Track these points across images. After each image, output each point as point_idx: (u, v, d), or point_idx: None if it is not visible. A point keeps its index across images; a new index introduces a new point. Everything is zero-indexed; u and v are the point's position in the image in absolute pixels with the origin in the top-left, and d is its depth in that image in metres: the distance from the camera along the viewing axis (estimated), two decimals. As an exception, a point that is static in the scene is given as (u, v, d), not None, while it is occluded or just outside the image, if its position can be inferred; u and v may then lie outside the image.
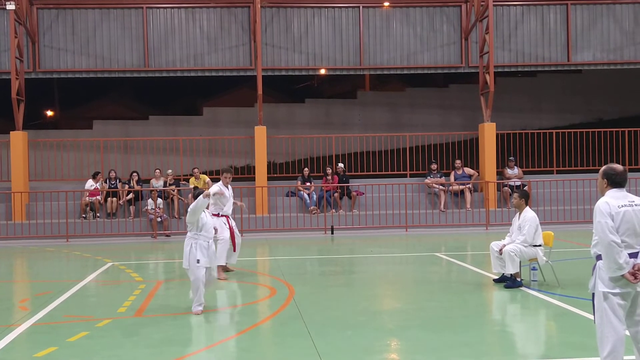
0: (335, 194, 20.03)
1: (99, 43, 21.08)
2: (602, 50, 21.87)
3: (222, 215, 11.64)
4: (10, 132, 19.98)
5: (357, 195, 20.18)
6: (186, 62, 21.27)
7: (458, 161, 20.73)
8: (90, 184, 19.73)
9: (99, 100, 34.48)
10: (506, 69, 22.38)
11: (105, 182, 19.95)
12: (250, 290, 10.85)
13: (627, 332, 5.57)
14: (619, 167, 5.61)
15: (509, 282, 10.09)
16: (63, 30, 21.01)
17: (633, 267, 5.39)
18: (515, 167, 20.75)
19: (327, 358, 6.58)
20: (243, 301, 9.78)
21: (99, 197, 19.58)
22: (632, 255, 5.43)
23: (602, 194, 5.60)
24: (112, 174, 19.94)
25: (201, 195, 8.77)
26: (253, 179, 20.54)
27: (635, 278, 5.37)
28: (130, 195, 19.56)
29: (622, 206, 5.44)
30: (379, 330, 7.72)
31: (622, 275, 5.37)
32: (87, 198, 19.45)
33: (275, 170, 22.08)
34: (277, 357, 6.92)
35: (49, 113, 35.76)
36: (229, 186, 11.86)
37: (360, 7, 21.48)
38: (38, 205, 19.55)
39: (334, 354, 6.80)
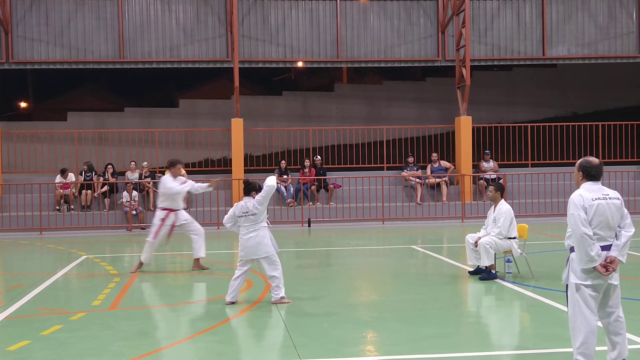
0: (313, 187, 20.03)
1: (74, 34, 20.83)
2: (577, 45, 22.04)
3: (164, 209, 11.43)
4: (-17, 123, 19.72)
5: (334, 188, 20.19)
6: (162, 53, 21.09)
7: (434, 154, 20.83)
8: (58, 179, 19.49)
9: (73, 92, 34.03)
10: (482, 63, 22.47)
11: (81, 174, 19.75)
12: (226, 282, 10.80)
13: (600, 324, 5.64)
14: (594, 160, 5.65)
15: (484, 274, 10.16)
16: (37, 20, 20.72)
17: (605, 260, 5.44)
18: (491, 160, 20.89)
19: (303, 350, 6.58)
20: (219, 294, 9.74)
21: (73, 190, 19.39)
22: (605, 248, 5.48)
23: (578, 187, 5.65)
24: (85, 167, 19.69)
25: (272, 184, 8.60)
26: (230, 172, 20.46)
27: (607, 270, 5.42)
28: (105, 188, 19.40)
29: (596, 199, 5.48)
30: (355, 322, 7.75)
31: (594, 268, 5.42)
32: (60, 190, 19.25)
33: (252, 163, 22.01)
34: (253, 349, 6.91)
35: (23, 104, 35.28)
36: (181, 177, 11.68)
37: (338, 0, 21.44)
38: (11, 198, 19.31)
39: (310, 346, 6.81)
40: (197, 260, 11.64)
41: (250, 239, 8.62)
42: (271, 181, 8.63)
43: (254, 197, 8.68)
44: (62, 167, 19.82)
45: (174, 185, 11.44)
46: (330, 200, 20.00)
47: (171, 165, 11.59)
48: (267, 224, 8.76)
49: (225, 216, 8.89)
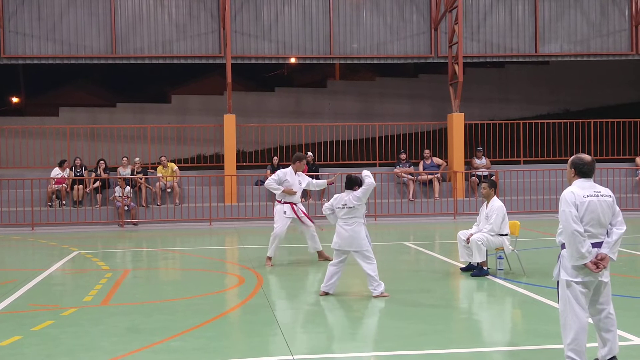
0: (305, 183, 19.99)
1: (66, 29, 20.75)
2: (569, 42, 22.10)
3: (285, 202, 11.61)
4: (-26, 118, 19.62)
5: (328, 184, 20.13)
6: (154, 49, 21.03)
7: (427, 151, 20.84)
8: (56, 172, 19.44)
9: (65, 87, 33.95)
10: (475, 60, 22.51)
11: (71, 169, 19.69)
12: (218, 279, 10.82)
13: (591, 320, 5.66)
14: (587, 157, 5.67)
15: (476, 270, 10.19)
16: (29, 15, 20.62)
17: (595, 257, 5.46)
18: (483, 157, 20.92)
19: (295, 346, 6.59)
20: (211, 290, 9.74)
21: (65, 185, 19.33)
22: (596, 245, 5.49)
23: (570, 184, 5.66)
24: (78, 162, 19.65)
25: (372, 181, 8.87)
26: (222, 168, 20.42)
27: (597, 267, 5.44)
28: (97, 184, 19.34)
29: (587, 196, 5.50)
30: (347, 319, 7.76)
31: (585, 265, 5.44)
32: (53, 186, 19.19)
33: (245, 159, 21.98)
34: (245, 346, 6.91)
35: (14, 99, 35.18)
36: (300, 172, 11.83)
37: (331, -4, 21.43)
38: (3, 193, 19.23)
39: (301, 342, 6.81)
40: (320, 251, 11.75)
41: (346, 231, 8.89)
42: (371, 178, 8.91)
43: (354, 191, 8.92)
44: (61, 159, 19.71)
45: (293, 179, 11.66)
46: (323, 196, 20.00)
47: (298, 160, 11.76)
48: (364, 220, 8.97)
49: (326, 205, 9.12)
